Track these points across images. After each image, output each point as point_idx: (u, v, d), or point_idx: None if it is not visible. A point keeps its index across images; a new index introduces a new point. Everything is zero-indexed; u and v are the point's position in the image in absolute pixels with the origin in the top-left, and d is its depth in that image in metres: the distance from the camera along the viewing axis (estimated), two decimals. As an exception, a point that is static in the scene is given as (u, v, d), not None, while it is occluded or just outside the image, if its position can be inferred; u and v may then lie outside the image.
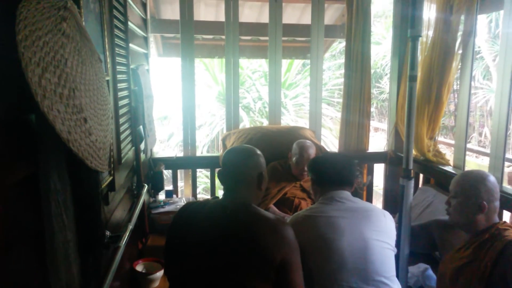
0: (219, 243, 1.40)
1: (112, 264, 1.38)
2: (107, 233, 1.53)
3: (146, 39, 3.03)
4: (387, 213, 1.84)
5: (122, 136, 1.86)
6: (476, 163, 6.63)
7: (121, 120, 1.83)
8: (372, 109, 10.28)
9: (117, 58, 1.73)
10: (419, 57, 2.98)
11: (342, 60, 3.62)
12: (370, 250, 1.69)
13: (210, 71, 7.80)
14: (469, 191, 1.78)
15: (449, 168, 2.81)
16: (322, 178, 1.93)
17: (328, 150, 3.37)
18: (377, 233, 1.73)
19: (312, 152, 2.82)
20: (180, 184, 4.48)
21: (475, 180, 1.78)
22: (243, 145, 1.67)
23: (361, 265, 1.67)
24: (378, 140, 9.17)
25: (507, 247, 1.66)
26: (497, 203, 1.78)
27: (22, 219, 0.86)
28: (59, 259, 0.90)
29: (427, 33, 2.99)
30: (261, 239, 1.36)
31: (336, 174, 1.90)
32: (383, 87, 10.47)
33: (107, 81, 1.52)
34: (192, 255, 1.43)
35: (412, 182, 2.04)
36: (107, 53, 1.49)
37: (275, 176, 2.84)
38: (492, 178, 1.80)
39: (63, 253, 0.91)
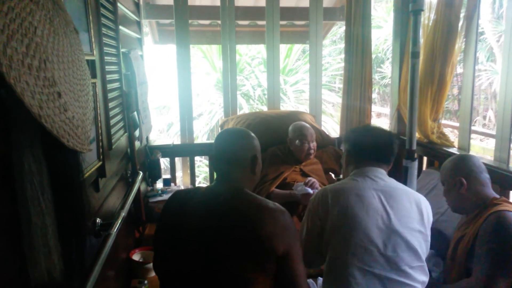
0: (212, 232, 1.30)
1: (102, 252, 1.31)
2: (98, 220, 1.47)
3: (139, 23, 2.95)
4: (423, 198, 1.70)
5: (113, 121, 1.79)
6: (480, 146, 6.55)
7: (111, 104, 1.76)
8: (374, 95, 10.20)
9: (104, 39, 1.66)
10: (421, 40, 2.90)
11: (342, 45, 3.54)
12: (398, 237, 1.55)
13: (208, 58, 7.70)
14: (448, 174, 1.89)
15: (454, 150, 2.74)
16: (359, 151, 1.77)
17: (329, 135, 3.29)
18: (409, 219, 1.59)
19: (313, 131, 2.76)
20: (179, 174, 4.42)
21: (451, 163, 1.91)
22: (236, 127, 1.55)
23: (386, 251, 1.54)
24: (381, 125, 9.09)
25: (488, 217, 1.69)
26: (482, 176, 1.84)
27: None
28: (37, 245, 0.84)
29: (429, 16, 2.91)
30: (259, 228, 1.27)
31: (376, 149, 1.75)
32: (384, 72, 10.35)
33: (93, 61, 1.45)
34: (184, 246, 1.35)
35: (416, 163, 1.99)
36: (92, 31, 1.42)
37: (274, 161, 2.78)
38: (469, 157, 1.92)
39: (42, 239, 0.85)
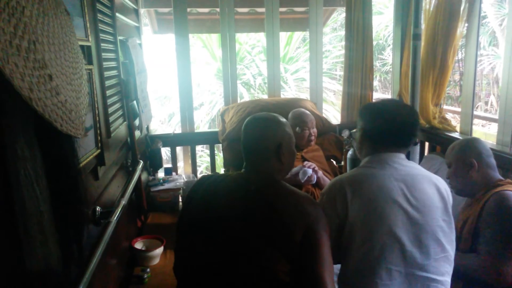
0: (242, 222, 1.28)
1: (102, 239, 1.31)
2: (98, 208, 1.46)
3: (137, 12, 2.92)
4: (441, 181, 1.53)
5: (111, 109, 1.78)
6: (482, 132, 6.52)
7: (109, 92, 1.74)
8: (376, 82, 10.13)
9: (100, 25, 1.63)
10: (423, 25, 2.87)
11: (343, 32, 3.50)
12: (423, 231, 1.42)
13: (208, 47, 7.65)
14: (458, 155, 1.85)
15: (456, 135, 2.71)
16: (377, 134, 1.55)
17: (330, 122, 3.26)
18: (433, 208, 1.45)
19: (313, 117, 2.74)
20: (181, 165, 4.42)
21: (461, 145, 1.88)
22: (265, 112, 1.49)
23: (411, 247, 1.41)
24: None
25: (490, 198, 1.69)
26: (490, 160, 1.83)
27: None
28: (33, 232, 0.82)
29: (430, 0, 2.87)
30: (285, 216, 1.26)
31: (397, 133, 1.52)
32: (386, 59, 10.24)
33: (89, 47, 1.43)
34: (212, 234, 1.31)
35: (418, 147, 1.97)
36: (87, 17, 1.39)
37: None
38: (479, 140, 1.90)
39: (37, 226, 0.84)
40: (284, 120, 1.45)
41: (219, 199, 1.35)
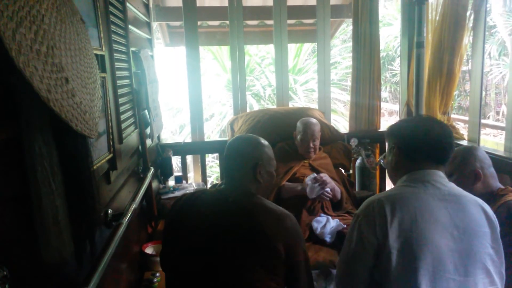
0: (219, 231, 1.37)
1: (113, 239, 1.35)
2: (110, 211, 1.51)
3: (149, 25, 3.01)
4: (485, 204, 1.40)
5: (123, 117, 1.84)
6: (494, 141, 6.48)
7: (121, 100, 1.81)
8: (386, 93, 10.13)
9: (113, 36, 1.71)
10: (429, 35, 2.91)
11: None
12: (471, 258, 1.29)
13: (218, 59, 7.76)
14: (461, 165, 1.81)
15: (463, 143, 2.73)
16: (416, 151, 1.43)
17: (338, 130, 3.29)
18: (480, 233, 1.32)
19: (317, 129, 2.77)
20: (191, 175, 4.47)
21: (463, 154, 1.83)
22: (249, 134, 1.66)
23: (457, 276, 1.27)
24: (392, 122, 9.02)
25: (498, 210, 1.65)
26: (491, 169, 1.82)
27: (5, 183, 0.84)
28: (48, 224, 0.88)
29: (437, 9, 2.92)
30: (267, 229, 1.34)
31: (437, 147, 1.42)
32: (396, 70, 10.25)
33: (102, 56, 1.50)
34: (188, 244, 1.41)
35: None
36: (101, 27, 1.47)
37: (283, 156, 2.80)
38: (480, 148, 1.89)
39: (53, 219, 0.89)
40: (265, 142, 1.56)
41: (198, 212, 1.45)
